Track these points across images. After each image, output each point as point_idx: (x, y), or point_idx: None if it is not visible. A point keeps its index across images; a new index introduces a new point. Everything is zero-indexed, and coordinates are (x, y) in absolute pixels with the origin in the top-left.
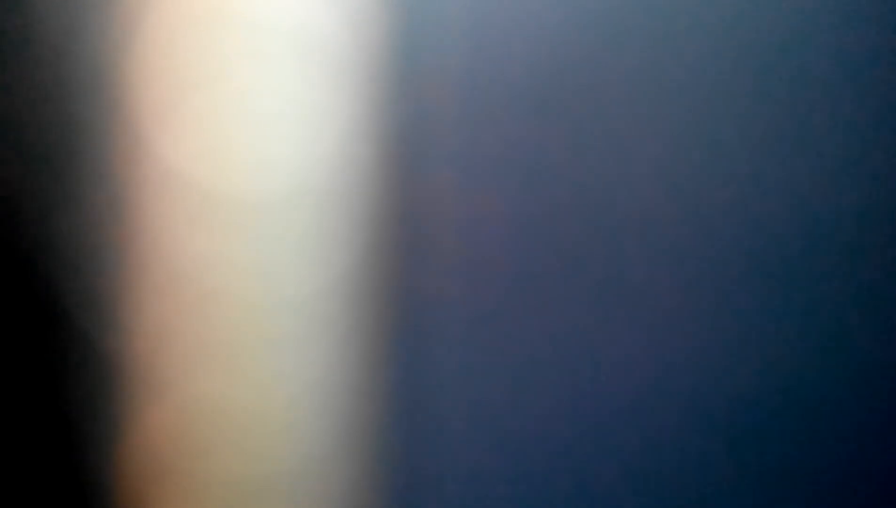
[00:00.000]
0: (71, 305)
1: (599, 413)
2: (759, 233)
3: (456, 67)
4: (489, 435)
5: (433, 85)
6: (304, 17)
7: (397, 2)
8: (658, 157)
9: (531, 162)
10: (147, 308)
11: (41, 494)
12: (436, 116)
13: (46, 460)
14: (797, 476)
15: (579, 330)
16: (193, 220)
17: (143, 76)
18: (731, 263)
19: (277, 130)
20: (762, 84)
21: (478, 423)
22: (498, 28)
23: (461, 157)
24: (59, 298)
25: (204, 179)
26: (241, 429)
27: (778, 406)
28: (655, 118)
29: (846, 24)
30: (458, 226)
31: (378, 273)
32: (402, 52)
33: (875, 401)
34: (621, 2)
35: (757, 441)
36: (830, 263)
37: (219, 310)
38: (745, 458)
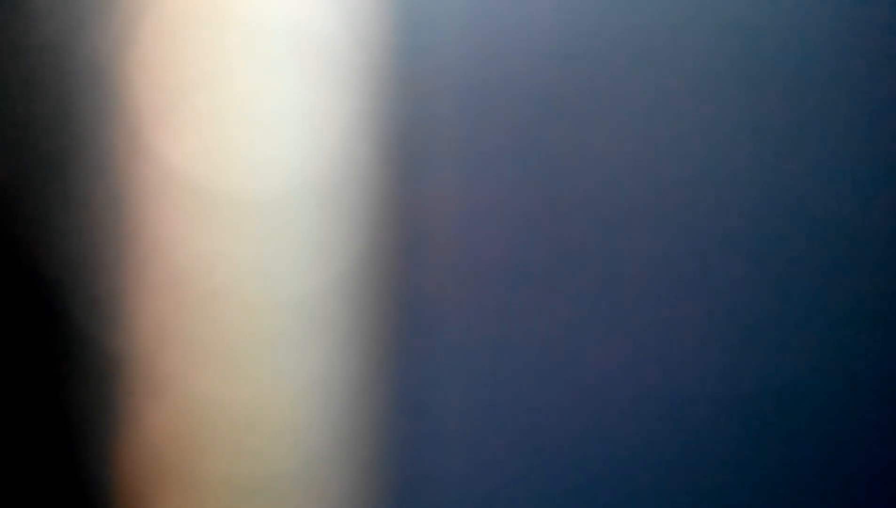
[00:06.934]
0: (71, 304)
1: (600, 413)
2: (759, 233)
3: (456, 66)
4: (489, 435)
5: (433, 85)
6: (304, 17)
7: (397, 2)
8: (658, 156)
9: (531, 161)
10: (147, 308)
11: (41, 494)
12: (435, 115)
13: (47, 459)
14: (796, 475)
15: (580, 330)
16: (193, 220)
17: (143, 76)
18: (731, 262)
19: (277, 130)
20: (763, 83)
21: (478, 423)
22: (498, 28)
23: (461, 156)
24: (59, 297)
25: (204, 179)
26: (241, 429)
27: (778, 406)
28: (655, 118)
29: (846, 24)
30: (458, 226)
31: (378, 273)
32: (402, 52)
33: (875, 401)
34: (621, 1)
35: (757, 441)
36: (830, 262)
37: (219, 310)
38: (745, 458)
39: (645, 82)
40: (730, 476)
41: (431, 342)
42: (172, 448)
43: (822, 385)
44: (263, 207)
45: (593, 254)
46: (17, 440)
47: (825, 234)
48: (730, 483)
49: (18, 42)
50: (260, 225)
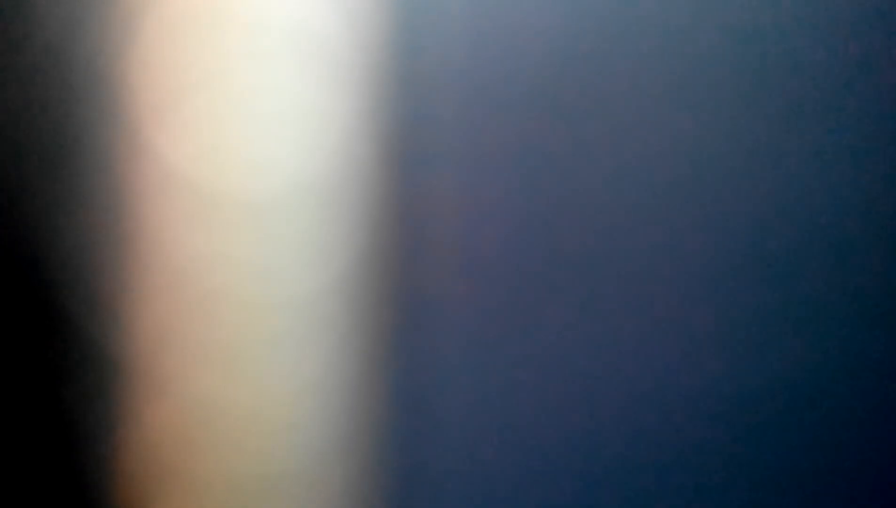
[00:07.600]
0: (71, 304)
1: (599, 413)
2: (759, 232)
3: (456, 66)
4: (489, 434)
5: (433, 85)
6: (304, 17)
7: (397, 2)
8: (658, 156)
9: (531, 161)
10: (147, 308)
11: (41, 494)
12: (435, 115)
13: (47, 459)
14: (796, 475)
15: (579, 330)
16: (193, 220)
17: (142, 76)
18: (731, 262)
19: (277, 130)
20: (763, 83)
21: (478, 422)
22: (498, 27)
23: (461, 156)
24: (60, 297)
25: (204, 179)
26: (241, 429)
27: (777, 406)
28: (655, 117)
29: (846, 24)
30: (458, 226)
31: (378, 273)
32: (402, 52)
33: (875, 401)
34: (621, 1)
35: (756, 441)
36: (830, 262)
37: (219, 310)
38: (744, 457)
39: (645, 82)
40: (729, 476)
41: (431, 342)
42: (172, 447)
43: (822, 385)
44: (263, 207)
45: (593, 254)
46: (17, 441)
47: (825, 234)
48: (729, 483)
49: (18, 42)
50: (260, 225)
